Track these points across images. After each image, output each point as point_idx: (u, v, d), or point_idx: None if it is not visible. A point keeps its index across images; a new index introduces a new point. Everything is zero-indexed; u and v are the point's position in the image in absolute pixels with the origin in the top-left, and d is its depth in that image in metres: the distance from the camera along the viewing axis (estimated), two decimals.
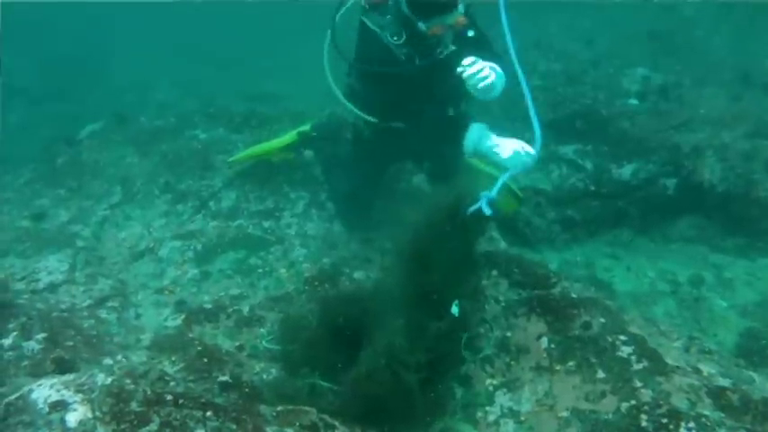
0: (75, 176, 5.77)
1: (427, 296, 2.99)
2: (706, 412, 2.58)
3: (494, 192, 3.03)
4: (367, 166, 4.29)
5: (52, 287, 4.07)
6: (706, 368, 2.91)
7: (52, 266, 4.30)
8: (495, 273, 3.43)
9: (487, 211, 3.01)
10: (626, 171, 5.26)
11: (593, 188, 5.26)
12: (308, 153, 5.09)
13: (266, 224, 4.72)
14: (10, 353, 2.98)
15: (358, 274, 3.92)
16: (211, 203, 5.02)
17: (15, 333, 3.13)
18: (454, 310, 3.02)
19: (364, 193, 4.38)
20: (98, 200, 5.34)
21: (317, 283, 3.82)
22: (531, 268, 3.48)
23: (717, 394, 2.70)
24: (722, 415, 2.58)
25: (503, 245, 4.08)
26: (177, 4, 10.65)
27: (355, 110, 3.85)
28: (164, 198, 5.21)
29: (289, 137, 5.01)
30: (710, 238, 5.02)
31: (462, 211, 3.07)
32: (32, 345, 3.07)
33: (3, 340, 3.09)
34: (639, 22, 7.58)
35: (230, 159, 5.25)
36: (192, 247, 4.51)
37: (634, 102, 5.97)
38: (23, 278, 4.16)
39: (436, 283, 2.99)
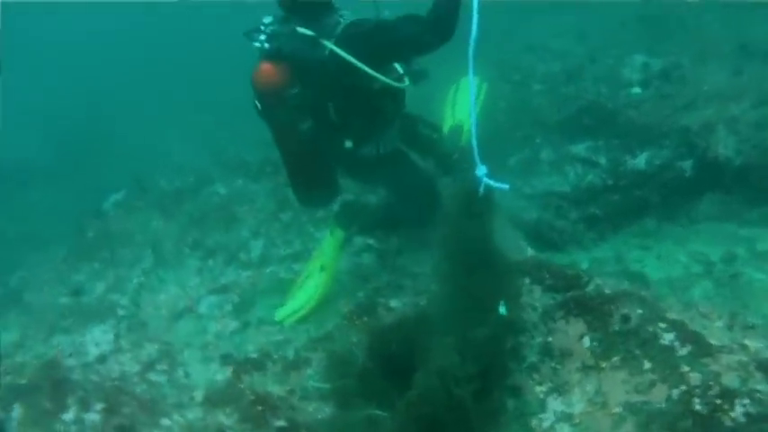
0: (106, 248, 5.92)
1: (472, 302, 3.01)
2: (759, 387, 2.58)
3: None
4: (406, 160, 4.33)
5: (101, 358, 4.18)
6: (752, 343, 2.89)
7: (98, 338, 4.42)
8: (527, 281, 3.46)
9: (500, 185, 3.11)
10: (640, 160, 5.24)
11: (610, 182, 5.25)
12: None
13: (297, 267, 4.77)
14: (73, 427, 3.09)
15: (394, 303, 3.97)
16: (241, 254, 5.13)
17: (75, 407, 3.24)
18: (501, 309, 3.04)
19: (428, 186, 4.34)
20: (131, 267, 5.48)
21: (355, 318, 3.88)
22: (561, 271, 3.51)
23: (767, 367, 2.71)
24: None
25: (530, 251, 4.11)
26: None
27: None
28: (194, 256, 5.34)
29: (326, 257, 4.33)
30: (736, 213, 4.95)
31: (475, 199, 3.14)
32: (93, 416, 3.18)
33: (64, 415, 3.21)
34: (625, 11, 7.51)
35: (280, 318, 4.28)
36: (229, 300, 4.61)
37: (637, 90, 5.96)
38: (72, 354, 4.28)
39: (477, 284, 3.02)
